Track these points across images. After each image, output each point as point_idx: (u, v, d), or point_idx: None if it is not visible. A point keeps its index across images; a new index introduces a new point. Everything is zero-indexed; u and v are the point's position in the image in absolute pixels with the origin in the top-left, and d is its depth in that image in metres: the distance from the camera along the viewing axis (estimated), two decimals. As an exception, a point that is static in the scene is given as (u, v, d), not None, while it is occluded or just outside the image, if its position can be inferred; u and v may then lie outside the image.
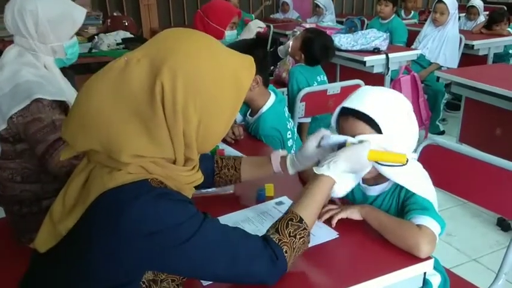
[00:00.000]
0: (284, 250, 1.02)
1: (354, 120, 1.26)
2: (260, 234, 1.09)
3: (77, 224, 0.87)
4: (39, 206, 1.52)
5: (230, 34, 2.91)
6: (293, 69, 2.93)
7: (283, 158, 1.41)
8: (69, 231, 0.88)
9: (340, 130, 1.32)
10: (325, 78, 2.99)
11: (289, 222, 1.07)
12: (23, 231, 1.51)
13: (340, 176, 1.18)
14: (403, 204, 1.33)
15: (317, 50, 2.80)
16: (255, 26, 3.14)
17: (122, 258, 0.86)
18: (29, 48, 1.54)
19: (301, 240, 1.06)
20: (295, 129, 2.28)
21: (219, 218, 1.35)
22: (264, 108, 2.09)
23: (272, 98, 2.12)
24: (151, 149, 0.87)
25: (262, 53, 2.08)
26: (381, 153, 1.21)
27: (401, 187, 1.34)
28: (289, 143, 2.16)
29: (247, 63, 0.99)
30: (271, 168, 1.41)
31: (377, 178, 1.36)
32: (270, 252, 1.00)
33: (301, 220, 1.07)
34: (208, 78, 0.90)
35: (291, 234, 1.04)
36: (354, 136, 1.25)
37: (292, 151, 2.12)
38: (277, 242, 1.02)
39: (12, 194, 1.51)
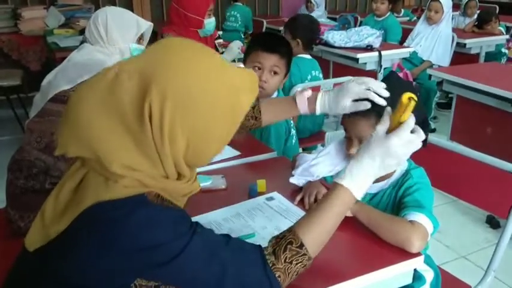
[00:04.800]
0: (277, 275, 0.95)
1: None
2: (250, 230, 1.05)
3: (67, 229, 0.85)
4: (42, 185, 1.51)
5: (209, 22, 2.88)
6: None
7: (311, 98, 1.40)
8: (58, 234, 0.86)
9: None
10: (321, 75, 2.98)
11: (288, 246, 0.97)
12: (22, 209, 1.49)
13: (363, 186, 1.02)
14: (399, 202, 1.33)
15: (305, 28, 3.01)
16: (236, 46, 3.16)
17: (110, 270, 0.83)
18: (101, 51, 1.80)
19: (299, 265, 0.97)
20: None
21: (210, 213, 1.35)
22: (274, 95, 2.09)
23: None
24: (143, 163, 0.85)
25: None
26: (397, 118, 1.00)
27: (400, 186, 1.35)
28: (292, 131, 2.18)
29: (249, 82, 0.90)
30: (297, 109, 1.42)
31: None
32: (264, 271, 0.94)
33: (301, 246, 0.97)
34: (200, 99, 0.84)
35: (287, 260, 0.96)
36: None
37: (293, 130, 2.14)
38: (270, 265, 0.96)
39: (26, 159, 1.50)
